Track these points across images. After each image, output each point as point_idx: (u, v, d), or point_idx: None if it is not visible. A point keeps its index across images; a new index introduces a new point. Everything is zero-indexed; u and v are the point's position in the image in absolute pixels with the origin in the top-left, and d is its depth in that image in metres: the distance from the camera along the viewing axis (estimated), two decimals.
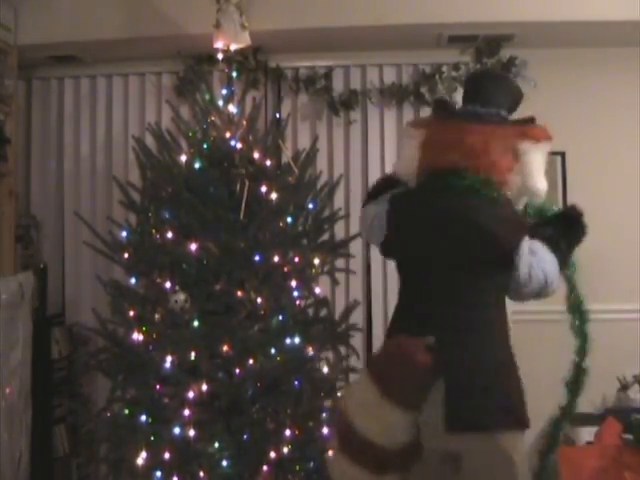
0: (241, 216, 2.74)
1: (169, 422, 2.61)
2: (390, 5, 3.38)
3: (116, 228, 3.03)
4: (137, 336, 2.75)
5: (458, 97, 3.71)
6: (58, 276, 3.91)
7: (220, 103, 3.00)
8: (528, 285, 1.92)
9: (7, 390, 3.05)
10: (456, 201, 1.92)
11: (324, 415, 2.85)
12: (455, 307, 1.90)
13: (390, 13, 3.38)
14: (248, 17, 3.06)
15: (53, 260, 3.92)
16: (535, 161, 2.04)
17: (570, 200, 3.73)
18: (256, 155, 2.90)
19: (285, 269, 2.84)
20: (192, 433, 2.58)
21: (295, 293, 2.86)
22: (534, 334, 3.50)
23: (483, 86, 2.06)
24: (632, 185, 3.68)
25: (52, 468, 3.59)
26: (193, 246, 2.72)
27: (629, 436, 3.00)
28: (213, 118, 2.97)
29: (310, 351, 2.80)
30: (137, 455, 2.63)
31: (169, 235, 2.79)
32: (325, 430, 2.80)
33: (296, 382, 2.74)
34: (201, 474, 2.59)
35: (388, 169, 3.74)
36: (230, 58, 3.05)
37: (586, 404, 3.49)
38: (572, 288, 2.19)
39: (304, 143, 3.59)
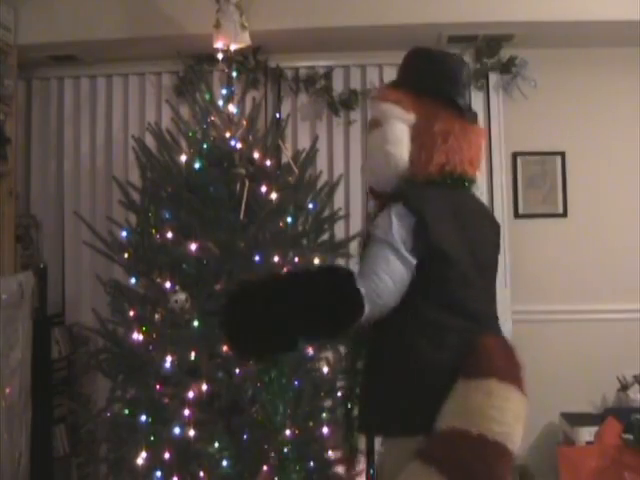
0: (241, 216, 2.74)
1: (169, 422, 2.61)
2: (390, 5, 3.38)
3: (116, 228, 3.03)
4: (137, 336, 2.75)
5: None
6: (58, 276, 3.91)
7: (220, 103, 3.00)
8: None
9: (7, 390, 3.05)
10: (476, 200, 1.91)
11: (324, 415, 2.85)
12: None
13: (390, 13, 3.38)
14: (248, 17, 3.06)
15: (53, 260, 3.92)
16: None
17: (570, 200, 3.73)
18: (256, 155, 2.90)
19: (285, 269, 2.84)
20: (192, 433, 2.58)
21: None
22: (535, 334, 3.51)
23: (460, 74, 1.88)
24: (632, 185, 3.69)
25: (52, 468, 3.59)
26: (193, 246, 2.72)
27: (629, 436, 3.01)
28: (213, 118, 2.97)
29: (310, 351, 2.80)
30: (137, 455, 2.63)
31: (169, 235, 2.79)
32: (325, 430, 2.80)
33: (296, 382, 2.74)
34: (201, 474, 2.59)
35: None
36: (230, 58, 3.05)
37: (586, 404, 3.52)
38: None
39: (304, 143, 3.59)
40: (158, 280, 2.79)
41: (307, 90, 3.77)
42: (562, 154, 3.74)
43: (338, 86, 3.77)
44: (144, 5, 3.49)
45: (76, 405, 3.60)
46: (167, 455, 2.60)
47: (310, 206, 3.02)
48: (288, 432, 2.67)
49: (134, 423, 2.70)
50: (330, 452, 2.88)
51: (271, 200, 2.82)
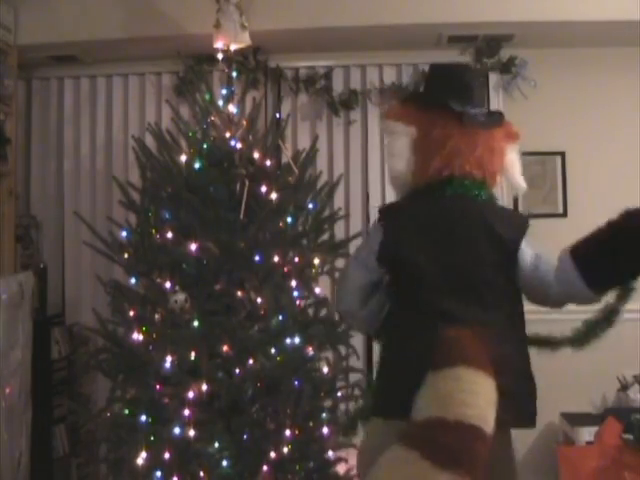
0: (241, 216, 2.74)
1: (169, 422, 2.61)
2: (390, 5, 3.38)
3: (116, 228, 3.03)
4: (137, 336, 2.75)
5: None
6: (58, 276, 3.91)
7: (220, 103, 3.00)
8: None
9: (7, 390, 3.05)
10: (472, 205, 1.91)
11: (324, 415, 2.85)
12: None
13: (390, 13, 3.38)
14: (248, 17, 3.06)
15: (53, 260, 3.92)
16: (515, 159, 2.04)
17: (570, 200, 3.73)
18: (256, 155, 2.90)
19: (285, 269, 2.84)
20: (192, 433, 2.58)
21: (295, 293, 2.86)
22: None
23: (469, 84, 1.97)
24: (632, 185, 3.68)
25: (52, 468, 3.59)
26: (193, 246, 2.71)
27: (629, 436, 3.00)
28: (213, 118, 2.97)
29: (310, 351, 2.80)
30: (137, 455, 2.63)
31: (169, 235, 2.79)
32: (325, 430, 2.80)
33: (296, 382, 2.74)
34: (201, 474, 2.59)
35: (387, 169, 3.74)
36: (230, 58, 3.05)
37: (586, 404, 3.52)
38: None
39: (304, 143, 3.59)
40: (158, 280, 2.79)
41: (307, 90, 3.78)
42: (562, 154, 3.74)
43: (338, 86, 3.77)
44: (144, 5, 3.49)
45: (76, 405, 3.60)
46: (167, 455, 2.59)
47: (310, 206, 3.01)
48: (288, 432, 2.68)
49: (134, 423, 2.70)
50: (330, 452, 2.88)
51: (271, 200, 2.82)
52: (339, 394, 2.98)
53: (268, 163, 2.93)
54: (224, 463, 2.60)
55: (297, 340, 2.75)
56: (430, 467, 1.54)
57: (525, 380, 1.84)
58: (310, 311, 2.94)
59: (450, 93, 1.89)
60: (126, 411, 2.78)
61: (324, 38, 3.58)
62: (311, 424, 2.79)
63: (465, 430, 1.57)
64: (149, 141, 3.15)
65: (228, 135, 2.90)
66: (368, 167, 3.79)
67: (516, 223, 1.94)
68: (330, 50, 3.74)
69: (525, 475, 3.38)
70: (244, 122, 2.99)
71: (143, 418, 2.69)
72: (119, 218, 3.17)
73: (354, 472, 3.05)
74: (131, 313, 2.83)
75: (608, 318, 2.17)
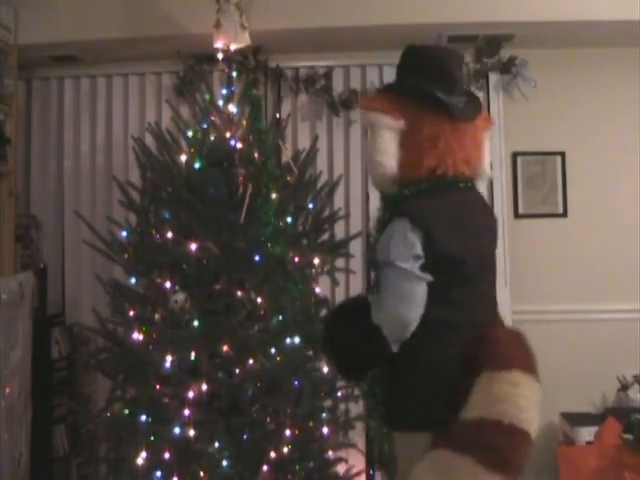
0: (242, 217, 2.74)
1: (169, 422, 2.61)
2: (390, 5, 3.38)
3: (116, 228, 3.03)
4: (137, 336, 2.75)
5: None
6: (58, 276, 3.91)
7: (220, 103, 3.00)
8: None
9: (7, 390, 3.05)
10: (474, 198, 1.96)
11: (324, 415, 2.85)
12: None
13: (390, 13, 3.38)
14: (248, 17, 3.06)
15: (53, 260, 3.92)
16: (488, 146, 1.99)
17: (570, 200, 3.73)
18: (256, 155, 2.90)
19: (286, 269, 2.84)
20: (192, 433, 2.58)
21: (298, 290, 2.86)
22: (535, 334, 3.50)
23: (452, 70, 1.89)
24: (632, 185, 3.69)
25: (52, 468, 3.59)
26: (193, 246, 2.72)
27: (629, 436, 3.01)
28: (213, 118, 2.97)
29: (310, 351, 2.80)
30: (137, 455, 2.63)
31: (169, 235, 2.79)
32: (325, 430, 2.80)
33: (296, 382, 2.74)
34: (201, 474, 2.59)
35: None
36: (230, 58, 3.05)
37: (586, 404, 3.52)
38: None
39: (304, 143, 3.59)
40: (158, 280, 2.79)
41: (307, 90, 3.77)
42: (562, 154, 3.74)
43: (338, 86, 3.77)
44: (144, 5, 3.48)
45: (76, 405, 3.60)
46: (167, 455, 2.60)
47: (310, 206, 3.02)
48: (288, 432, 2.68)
49: (134, 423, 2.70)
50: (330, 452, 2.88)
51: (271, 200, 2.81)
52: (339, 394, 2.98)
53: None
54: (224, 463, 2.60)
55: (297, 340, 2.75)
56: (484, 472, 1.58)
57: None
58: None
59: (435, 82, 1.84)
60: (126, 411, 2.78)
61: (324, 38, 3.58)
62: (311, 424, 2.79)
63: (518, 434, 1.62)
64: (149, 141, 3.16)
65: (228, 135, 2.90)
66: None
67: None
68: (330, 50, 3.74)
69: (525, 475, 3.37)
70: (244, 122, 2.98)
71: (143, 418, 2.69)
72: (119, 218, 3.17)
73: (354, 472, 3.06)
74: (131, 313, 2.83)
75: None
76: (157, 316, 2.79)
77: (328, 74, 3.76)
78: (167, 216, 2.85)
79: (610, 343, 3.56)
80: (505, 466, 1.61)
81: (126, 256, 2.89)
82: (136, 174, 3.10)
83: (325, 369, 2.89)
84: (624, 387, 3.47)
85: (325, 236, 3.09)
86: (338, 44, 3.68)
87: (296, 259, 2.85)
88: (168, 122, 3.40)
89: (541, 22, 3.37)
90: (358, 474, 3.13)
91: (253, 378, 2.67)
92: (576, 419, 3.36)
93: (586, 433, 3.22)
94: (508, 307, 3.49)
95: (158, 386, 2.69)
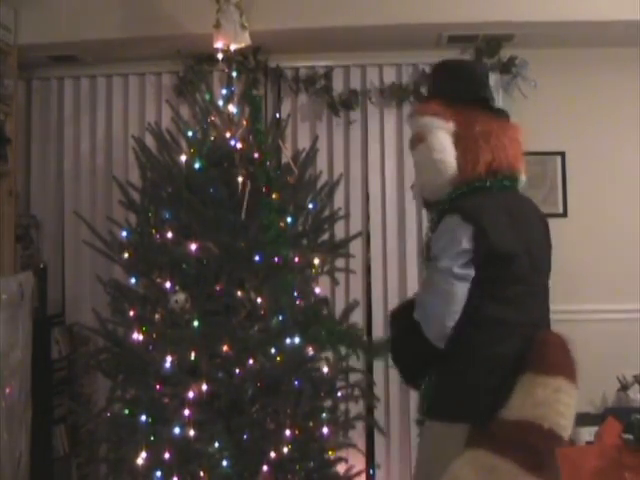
0: (242, 216, 2.74)
1: (169, 422, 2.61)
2: (390, 5, 3.38)
3: (116, 228, 3.03)
4: (137, 336, 2.75)
5: None
6: (58, 276, 3.91)
7: (220, 103, 3.00)
8: None
9: (7, 390, 3.05)
10: (525, 199, 2.02)
11: (324, 415, 2.85)
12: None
13: (390, 13, 3.38)
14: (248, 17, 3.06)
15: (53, 260, 3.92)
16: None
17: (570, 200, 3.73)
18: (256, 155, 2.90)
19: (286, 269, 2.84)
20: (192, 433, 2.58)
21: (295, 293, 2.86)
22: None
23: (485, 78, 2.04)
24: (632, 185, 3.69)
25: (52, 468, 3.59)
26: (193, 246, 2.72)
27: (629, 436, 3.00)
28: (213, 118, 2.97)
29: (310, 351, 2.80)
30: (137, 455, 2.63)
31: (169, 235, 2.79)
32: (325, 430, 2.80)
33: (296, 382, 2.74)
34: (201, 474, 2.59)
35: (388, 169, 3.75)
36: (230, 58, 3.05)
37: (586, 404, 3.51)
38: None
39: (304, 143, 3.59)
40: (158, 280, 2.79)
41: (307, 90, 3.77)
42: (562, 154, 3.74)
43: (338, 86, 3.77)
44: (144, 5, 3.48)
45: (76, 405, 3.60)
46: (167, 455, 2.59)
47: (310, 206, 3.02)
48: (288, 432, 2.68)
49: (134, 423, 2.70)
50: (330, 452, 2.88)
51: (271, 200, 2.81)
52: (339, 394, 2.98)
53: (268, 163, 2.93)
54: (224, 463, 2.59)
55: (297, 340, 2.75)
56: (525, 474, 1.63)
57: None
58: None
59: (479, 89, 1.95)
60: (126, 411, 2.78)
61: (324, 38, 3.58)
62: (311, 424, 2.79)
63: (556, 439, 1.68)
64: (149, 141, 3.15)
65: (228, 135, 2.90)
66: (368, 167, 3.79)
67: None
68: (330, 50, 3.74)
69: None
70: (244, 122, 2.98)
71: (143, 418, 2.69)
72: (119, 218, 3.16)
73: (354, 471, 3.06)
74: (131, 313, 2.83)
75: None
76: (157, 316, 2.78)
77: (328, 74, 3.76)
78: (167, 216, 2.85)
79: (610, 343, 3.56)
80: (544, 469, 1.66)
81: (126, 256, 2.89)
82: (136, 174, 3.10)
83: (325, 369, 2.90)
84: (624, 387, 3.47)
85: (325, 236, 3.09)
86: (338, 44, 3.68)
87: (296, 259, 2.85)
88: (168, 122, 3.40)
89: (541, 22, 3.37)
90: (358, 474, 3.13)
91: (253, 378, 2.67)
92: (576, 419, 3.34)
93: (586, 433, 3.22)
94: None
95: (158, 386, 2.69)
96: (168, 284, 2.75)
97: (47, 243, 3.95)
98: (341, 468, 2.97)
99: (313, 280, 2.99)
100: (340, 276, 3.36)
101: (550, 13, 3.32)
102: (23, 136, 3.90)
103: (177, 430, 2.58)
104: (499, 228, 1.78)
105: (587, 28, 3.45)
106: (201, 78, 3.40)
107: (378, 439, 3.59)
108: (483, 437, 1.69)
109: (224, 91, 3.01)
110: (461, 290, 1.77)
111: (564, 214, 3.73)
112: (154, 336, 2.73)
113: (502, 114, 1.99)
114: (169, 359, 2.64)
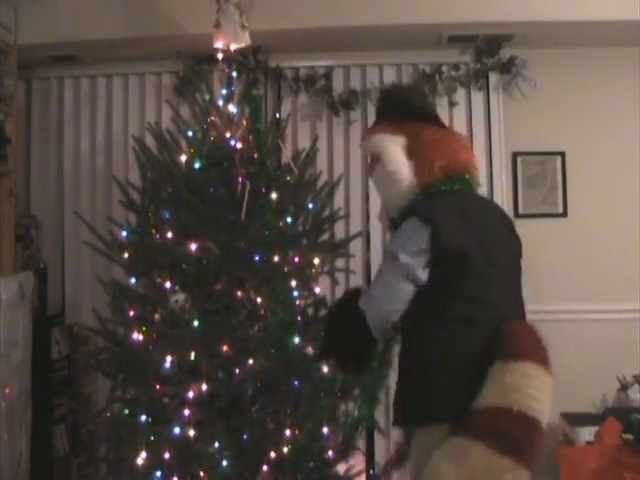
0: (242, 216, 2.74)
1: (169, 422, 2.61)
2: (390, 5, 3.38)
3: (116, 228, 3.03)
4: (137, 336, 2.75)
5: (458, 97, 3.72)
6: (58, 276, 3.91)
7: (220, 103, 3.00)
8: None
9: (7, 390, 3.05)
10: (481, 198, 2.08)
11: (324, 415, 2.85)
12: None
13: (390, 13, 3.38)
14: (248, 17, 3.06)
15: (53, 260, 3.92)
16: None
17: (570, 200, 3.73)
18: (256, 155, 2.90)
19: (285, 269, 2.84)
20: (192, 433, 2.58)
21: (295, 293, 2.86)
22: None
23: (425, 97, 2.27)
24: (632, 185, 3.69)
25: (52, 468, 3.59)
26: (193, 246, 2.72)
27: (629, 436, 3.01)
28: (213, 118, 2.97)
29: (310, 351, 2.80)
30: (137, 455, 2.63)
31: (169, 235, 2.79)
32: (325, 430, 2.80)
33: (296, 382, 2.74)
34: (201, 474, 2.59)
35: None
36: (230, 58, 3.05)
37: (586, 404, 3.51)
38: None
39: (304, 143, 3.59)
40: (158, 280, 2.79)
41: (307, 90, 3.77)
42: (562, 154, 3.74)
43: (338, 86, 3.77)
44: (144, 5, 3.48)
45: (76, 405, 3.60)
46: (167, 455, 2.60)
47: (310, 206, 3.02)
48: (288, 432, 2.68)
49: (134, 423, 2.70)
50: (330, 452, 2.88)
51: (271, 200, 2.81)
52: (339, 394, 2.97)
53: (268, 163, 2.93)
54: (224, 463, 2.60)
55: (297, 340, 2.75)
56: (495, 455, 1.66)
57: None
58: (310, 311, 2.94)
59: (420, 104, 2.07)
60: (126, 411, 2.78)
61: (324, 38, 3.58)
62: (311, 424, 2.79)
63: (528, 422, 1.70)
64: (149, 141, 3.15)
65: (228, 135, 2.90)
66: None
67: None
68: (330, 50, 3.74)
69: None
70: (244, 122, 2.98)
71: (143, 418, 2.69)
72: (119, 218, 3.16)
73: (354, 471, 3.06)
74: (131, 313, 2.83)
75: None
76: (157, 316, 2.79)
77: (328, 74, 3.76)
78: (167, 216, 2.85)
79: (610, 343, 3.56)
80: (516, 451, 1.67)
81: (126, 256, 2.89)
82: (136, 174, 3.10)
83: (325, 369, 2.90)
84: (624, 387, 3.47)
85: (325, 236, 3.09)
86: (338, 44, 3.68)
87: (296, 259, 2.85)
88: (168, 122, 3.40)
89: (541, 22, 3.37)
90: (358, 474, 3.13)
91: (253, 378, 2.67)
92: (576, 419, 3.35)
93: (586, 433, 3.21)
94: None
95: (158, 386, 2.69)
96: (168, 284, 2.75)
97: (47, 243, 3.95)
98: (341, 468, 2.97)
99: (313, 280, 2.99)
100: (340, 276, 3.36)
101: (550, 13, 3.32)
102: (23, 136, 3.90)
103: (177, 430, 2.58)
104: (450, 225, 1.82)
105: (587, 28, 3.45)
106: (201, 78, 3.40)
107: (378, 439, 3.59)
108: (457, 428, 1.72)
109: (224, 91, 3.01)
110: (407, 289, 1.82)
111: (564, 214, 3.73)
112: (154, 336, 2.73)
113: (444, 126, 2.09)
114: (169, 359, 2.64)
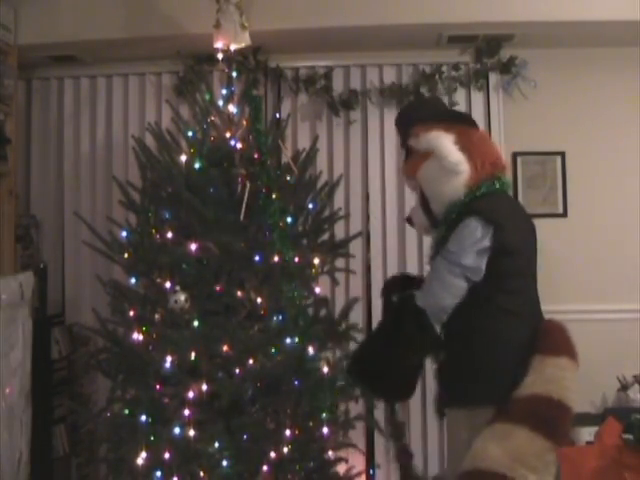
0: (241, 216, 2.73)
1: (169, 422, 2.61)
2: (390, 5, 3.38)
3: (116, 228, 3.03)
4: (137, 336, 2.75)
5: (458, 97, 3.72)
6: (58, 276, 3.91)
7: (220, 103, 3.00)
8: None
9: (7, 390, 3.05)
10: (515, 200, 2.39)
11: (324, 415, 2.85)
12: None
13: (390, 13, 3.38)
14: (248, 17, 3.05)
15: (53, 260, 3.92)
16: None
17: (570, 200, 3.73)
18: (256, 155, 2.90)
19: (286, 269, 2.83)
20: (192, 433, 2.58)
21: (295, 293, 2.86)
22: None
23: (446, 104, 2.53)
24: (632, 185, 3.69)
25: (52, 468, 3.59)
26: (193, 246, 2.72)
27: (629, 436, 3.00)
28: (213, 118, 2.97)
29: (310, 351, 2.80)
30: (137, 455, 2.63)
31: (169, 235, 2.79)
32: (325, 430, 2.80)
33: (296, 382, 2.74)
34: (201, 474, 2.59)
35: (388, 169, 3.75)
36: (230, 58, 3.05)
37: (586, 404, 3.51)
38: None
39: (304, 143, 3.59)
40: (158, 280, 2.79)
41: (307, 90, 3.77)
42: (562, 154, 3.74)
43: (338, 86, 3.77)
44: (144, 5, 3.48)
45: (76, 405, 3.60)
46: (167, 455, 2.60)
47: (310, 206, 3.02)
48: (288, 432, 2.68)
49: (134, 423, 2.70)
50: (330, 452, 2.88)
51: (271, 200, 2.81)
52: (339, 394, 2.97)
53: (268, 163, 2.93)
54: (224, 463, 2.60)
55: (297, 340, 2.74)
56: (538, 437, 1.86)
57: None
58: (310, 311, 2.94)
59: (452, 108, 2.37)
60: (126, 411, 2.78)
61: (324, 38, 3.58)
62: (311, 424, 2.79)
63: (565, 409, 1.93)
64: (149, 141, 3.15)
65: (228, 135, 2.90)
66: (368, 167, 3.79)
67: None
68: (330, 50, 3.74)
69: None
70: (244, 122, 2.98)
71: (143, 418, 2.69)
72: (119, 218, 3.16)
73: (354, 472, 3.06)
74: (131, 313, 2.83)
75: None
76: (157, 316, 2.79)
77: (328, 74, 3.76)
78: (167, 216, 2.85)
79: (610, 343, 3.56)
80: (556, 433, 1.90)
81: (126, 256, 2.89)
82: (136, 174, 3.09)
83: (325, 369, 2.89)
84: (624, 387, 3.47)
85: (325, 236, 3.09)
86: (338, 44, 3.68)
87: (296, 259, 2.85)
88: (168, 122, 3.40)
89: (541, 22, 3.37)
90: (358, 474, 3.13)
91: (253, 378, 2.67)
92: (576, 419, 3.32)
93: (586, 433, 3.21)
94: None
95: (158, 386, 2.69)
96: (168, 284, 2.75)
97: (47, 243, 3.95)
98: (341, 468, 2.97)
99: (313, 280, 2.99)
100: (340, 276, 3.36)
101: (550, 13, 3.32)
102: (23, 136, 3.90)
103: (177, 430, 2.58)
104: (510, 225, 1.99)
105: (587, 28, 3.45)
106: (201, 78, 3.40)
107: (378, 439, 3.59)
108: (501, 412, 1.91)
109: (224, 91, 3.01)
110: (465, 286, 1.99)
111: (564, 214, 3.73)
112: (154, 336, 2.73)
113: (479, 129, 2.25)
114: (169, 359, 2.64)
